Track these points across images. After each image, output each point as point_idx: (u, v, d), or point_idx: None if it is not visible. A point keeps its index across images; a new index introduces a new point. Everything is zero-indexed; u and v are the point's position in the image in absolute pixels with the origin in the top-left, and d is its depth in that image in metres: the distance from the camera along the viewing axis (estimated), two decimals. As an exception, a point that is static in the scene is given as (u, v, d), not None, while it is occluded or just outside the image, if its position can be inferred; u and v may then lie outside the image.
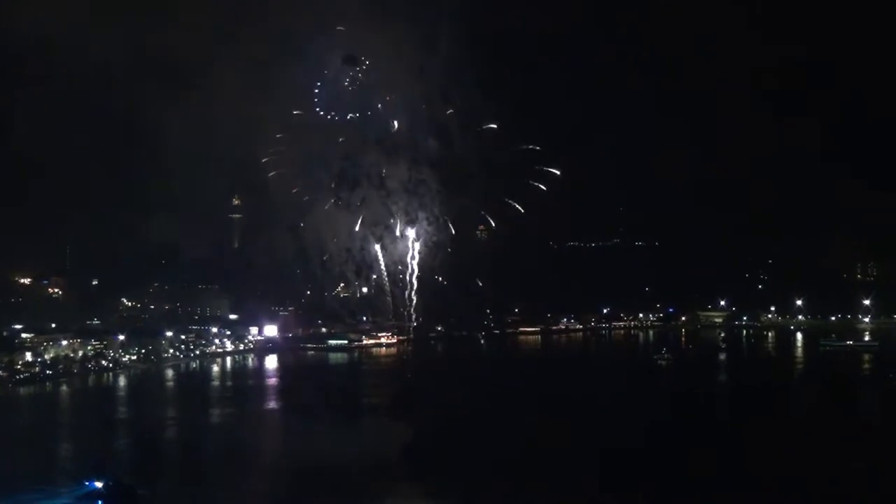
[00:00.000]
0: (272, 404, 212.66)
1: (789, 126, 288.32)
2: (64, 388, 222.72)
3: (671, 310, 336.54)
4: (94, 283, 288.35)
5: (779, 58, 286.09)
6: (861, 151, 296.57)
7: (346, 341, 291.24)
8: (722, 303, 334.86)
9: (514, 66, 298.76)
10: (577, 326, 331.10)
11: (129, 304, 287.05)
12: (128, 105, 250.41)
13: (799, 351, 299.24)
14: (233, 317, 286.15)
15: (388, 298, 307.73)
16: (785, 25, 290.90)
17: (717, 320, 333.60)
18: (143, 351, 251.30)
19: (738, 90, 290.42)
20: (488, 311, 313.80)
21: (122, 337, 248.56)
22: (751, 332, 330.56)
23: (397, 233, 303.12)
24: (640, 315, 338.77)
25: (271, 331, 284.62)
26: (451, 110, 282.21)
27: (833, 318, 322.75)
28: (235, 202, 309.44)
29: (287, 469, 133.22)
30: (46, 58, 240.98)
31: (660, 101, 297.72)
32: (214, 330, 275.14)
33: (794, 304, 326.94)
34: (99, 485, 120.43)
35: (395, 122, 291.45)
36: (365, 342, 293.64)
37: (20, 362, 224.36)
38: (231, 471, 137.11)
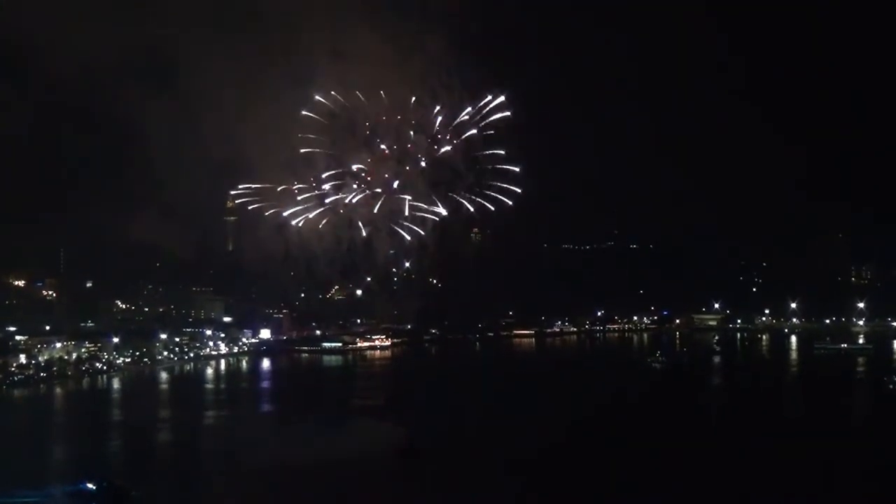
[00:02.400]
0: (265, 407, 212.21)
1: (787, 131, 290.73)
2: (58, 390, 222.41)
3: (665, 312, 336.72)
4: (88, 285, 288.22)
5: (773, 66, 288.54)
6: (856, 157, 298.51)
7: (340, 344, 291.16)
8: (716, 306, 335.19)
9: (509, 65, 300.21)
10: (572, 329, 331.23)
11: (123, 306, 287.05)
12: (121, 107, 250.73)
13: (793, 354, 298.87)
14: (227, 319, 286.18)
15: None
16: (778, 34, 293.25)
17: (711, 323, 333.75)
18: (137, 353, 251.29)
19: (737, 95, 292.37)
20: (482, 313, 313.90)
21: (116, 339, 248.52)
22: (745, 335, 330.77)
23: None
24: (635, 318, 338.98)
25: (265, 333, 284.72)
26: (440, 111, 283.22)
27: (827, 322, 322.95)
28: (229, 205, 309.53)
29: (277, 471, 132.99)
30: (39, 58, 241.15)
31: (655, 104, 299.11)
32: (209, 332, 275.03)
33: (789, 307, 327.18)
34: (92, 486, 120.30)
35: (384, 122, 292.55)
36: (359, 344, 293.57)
37: (14, 364, 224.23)
38: (223, 473, 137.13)
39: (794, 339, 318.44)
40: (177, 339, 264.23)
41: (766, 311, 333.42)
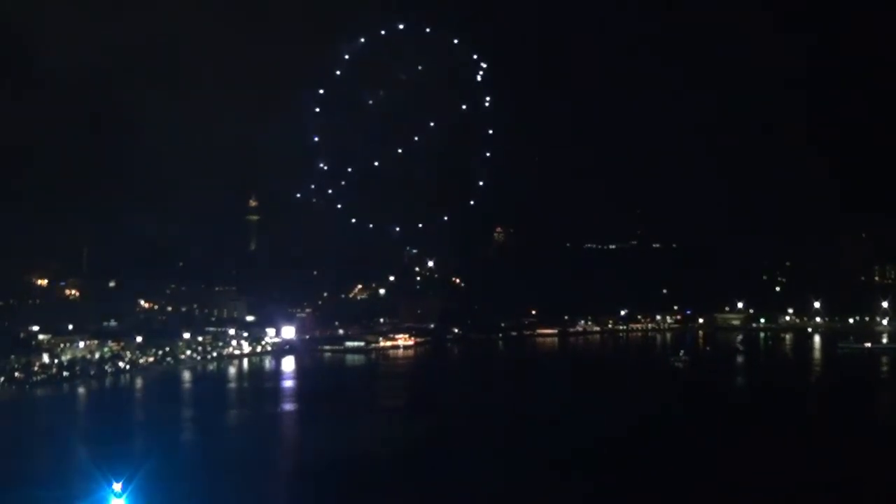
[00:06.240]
0: (289, 406, 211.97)
1: (808, 125, 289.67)
2: (81, 389, 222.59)
3: (689, 312, 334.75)
4: (111, 284, 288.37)
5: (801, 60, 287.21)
6: (880, 154, 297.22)
7: (362, 343, 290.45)
8: (739, 305, 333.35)
9: (537, 59, 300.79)
10: (595, 328, 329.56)
11: (146, 305, 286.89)
12: (146, 106, 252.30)
13: (816, 353, 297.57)
14: (250, 318, 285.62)
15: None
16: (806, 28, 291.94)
17: (734, 322, 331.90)
18: (160, 353, 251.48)
19: (759, 94, 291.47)
20: (505, 312, 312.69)
21: (139, 338, 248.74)
22: (768, 334, 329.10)
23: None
24: (658, 317, 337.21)
25: (288, 332, 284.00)
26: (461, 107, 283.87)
27: (851, 321, 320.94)
28: (252, 203, 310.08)
29: (303, 471, 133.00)
30: (62, 58, 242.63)
31: (679, 104, 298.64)
32: (231, 332, 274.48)
33: (812, 306, 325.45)
34: (117, 486, 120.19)
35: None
36: (382, 344, 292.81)
37: (37, 364, 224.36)
38: (248, 473, 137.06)
39: (817, 338, 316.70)
40: (199, 339, 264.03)
41: (790, 311, 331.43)
